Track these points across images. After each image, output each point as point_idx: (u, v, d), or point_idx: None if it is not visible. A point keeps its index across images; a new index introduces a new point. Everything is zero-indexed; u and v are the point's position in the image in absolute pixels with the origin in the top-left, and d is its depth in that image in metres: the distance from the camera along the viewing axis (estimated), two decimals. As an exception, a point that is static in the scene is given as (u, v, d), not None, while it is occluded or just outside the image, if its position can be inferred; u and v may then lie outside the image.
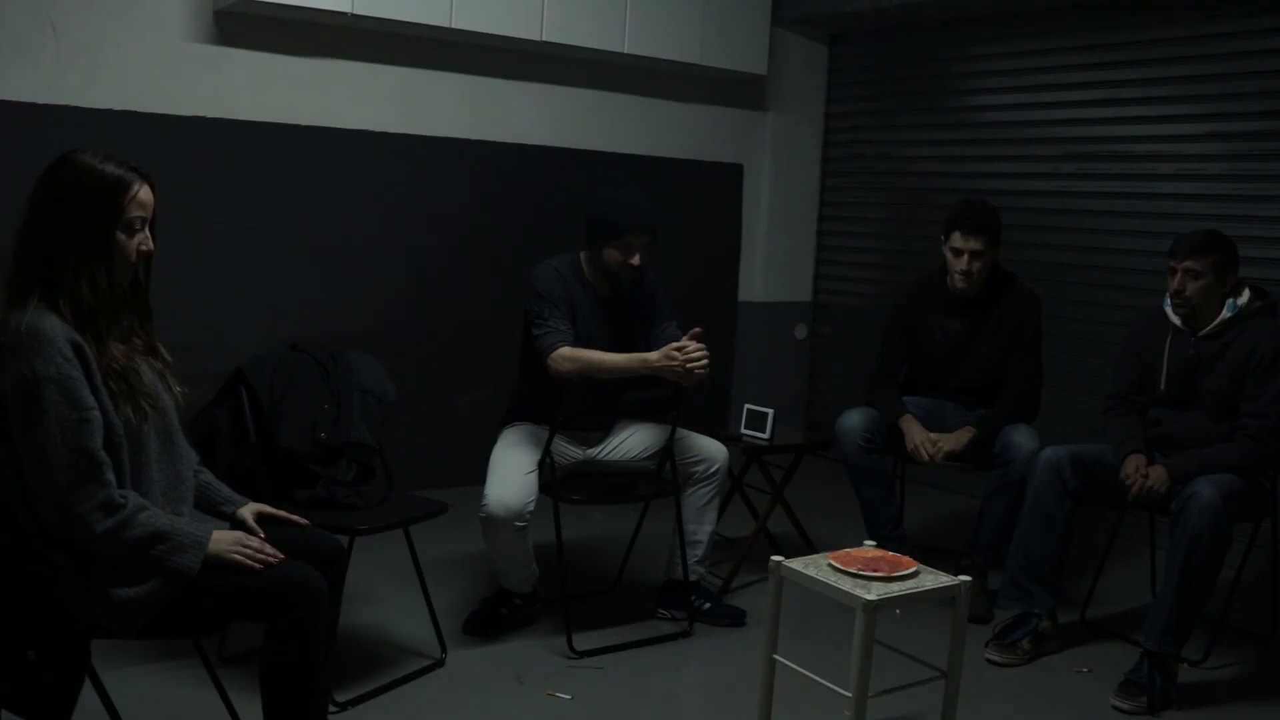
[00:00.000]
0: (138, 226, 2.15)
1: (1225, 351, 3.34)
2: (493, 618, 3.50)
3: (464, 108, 5.01)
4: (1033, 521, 3.47)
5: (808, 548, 3.95)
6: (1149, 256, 4.77)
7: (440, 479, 4.27)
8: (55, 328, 2.03)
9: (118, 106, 4.16)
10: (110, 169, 2.11)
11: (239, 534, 2.23)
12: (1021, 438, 3.73)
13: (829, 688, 2.57)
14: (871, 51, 5.97)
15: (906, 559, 2.66)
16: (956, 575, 2.65)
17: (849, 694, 2.45)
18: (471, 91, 5.03)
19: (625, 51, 5.08)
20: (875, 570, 2.57)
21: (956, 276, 3.84)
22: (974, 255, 3.79)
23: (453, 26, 4.58)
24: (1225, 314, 3.35)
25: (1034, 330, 3.93)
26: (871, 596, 2.45)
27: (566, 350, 3.32)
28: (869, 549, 2.77)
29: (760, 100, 5.95)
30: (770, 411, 3.99)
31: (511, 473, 3.29)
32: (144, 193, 2.15)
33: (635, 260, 3.40)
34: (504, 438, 3.50)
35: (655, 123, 5.59)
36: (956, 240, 3.81)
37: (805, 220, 6.24)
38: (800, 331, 6.30)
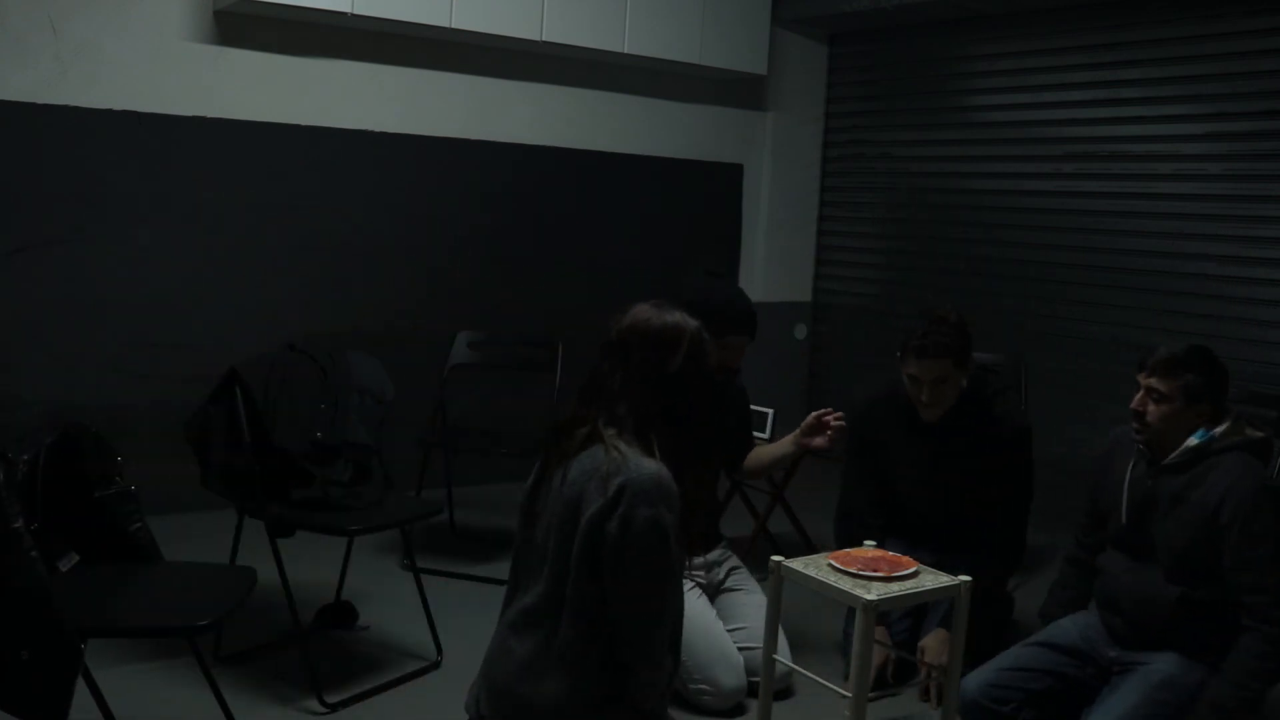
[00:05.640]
0: None
1: (1187, 492, 2.64)
2: None
3: (464, 108, 5.01)
4: None
5: (808, 548, 3.94)
6: (1149, 256, 4.77)
7: (440, 480, 4.25)
8: (671, 483, 2.01)
9: (118, 106, 4.16)
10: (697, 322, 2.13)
11: None
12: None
13: (829, 688, 2.57)
14: (871, 51, 5.97)
15: (907, 559, 2.65)
16: None
17: (849, 694, 2.45)
18: (471, 91, 5.02)
19: (625, 51, 5.08)
20: (875, 570, 2.56)
21: (920, 406, 3.20)
22: (936, 383, 3.15)
23: (453, 26, 4.58)
24: (1191, 441, 2.66)
25: (1024, 461, 3.28)
26: (871, 596, 2.44)
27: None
28: (869, 549, 2.76)
29: (760, 100, 5.95)
30: (770, 411, 3.98)
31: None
32: None
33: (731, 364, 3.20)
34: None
35: (655, 123, 5.59)
36: (912, 366, 3.15)
37: (805, 220, 6.24)
38: (800, 331, 6.29)
